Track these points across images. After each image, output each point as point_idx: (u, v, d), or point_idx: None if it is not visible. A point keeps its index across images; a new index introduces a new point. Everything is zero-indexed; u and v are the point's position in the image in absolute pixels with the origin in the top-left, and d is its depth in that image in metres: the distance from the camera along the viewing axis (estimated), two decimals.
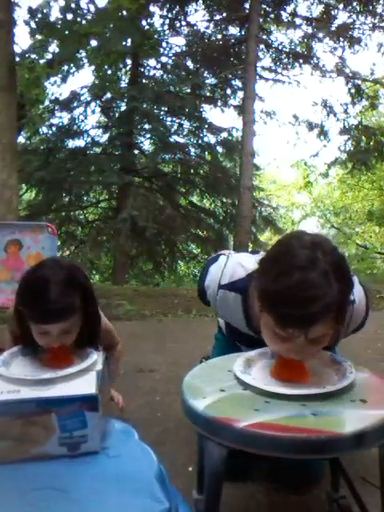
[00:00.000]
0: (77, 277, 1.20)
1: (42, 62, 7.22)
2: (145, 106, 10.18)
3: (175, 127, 11.11)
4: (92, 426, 0.98)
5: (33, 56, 7.58)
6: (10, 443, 0.96)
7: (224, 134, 10.91)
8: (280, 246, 1.01)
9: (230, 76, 10.36)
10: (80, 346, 1.23)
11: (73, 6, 6.47)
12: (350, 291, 0.98)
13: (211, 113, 34.78)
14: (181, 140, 11.13)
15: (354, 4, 9.24)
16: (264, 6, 9.23)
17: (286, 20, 9.63)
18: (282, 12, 9.54)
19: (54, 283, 1.13)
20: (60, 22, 6.57)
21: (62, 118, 10.83)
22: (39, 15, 7.12)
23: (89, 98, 10.70)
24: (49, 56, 8.13)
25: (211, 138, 11.16)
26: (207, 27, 10.06)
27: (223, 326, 1.59)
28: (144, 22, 9.26)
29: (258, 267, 1.02)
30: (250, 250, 7.99)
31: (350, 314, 1.19)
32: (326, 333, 0.95)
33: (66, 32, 6.41)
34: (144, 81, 10.97)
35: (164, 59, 10.75)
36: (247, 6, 9.04)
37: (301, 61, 9.95)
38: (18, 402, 0.96)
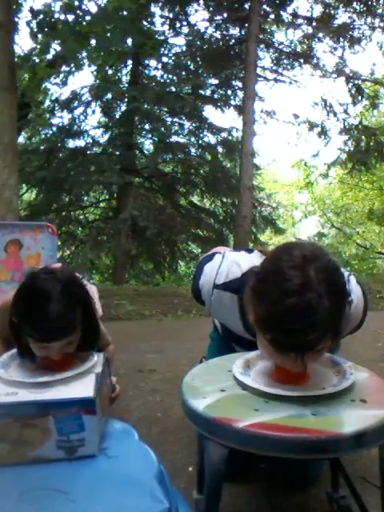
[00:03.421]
0: (74, 290, 1.15)
1: (43, 62, 7.22)
2: (145, 106, 10.18)
3: (176, 127, 11.12)
4: (90, 430, 0.97)
5: (34, 58, 7.58)
6: (8, 446, 0.96)
7: (224, 134, 10.91)
8: (271, 264, 0.95)
9: (231, 76, 10.35)
10: (80, 351, 1.22)
11: (76, 3, 6.47)
12: (344, 306, 0.95)
13: (211, 113, 34.74)
14: (181, 140, 11.14)
15: (354, 4, 9.24)
16: (264, 6, 9.23)
17: (286, 20, 9.62)
18: (282, 12, 9.54)
19: (53, 300, 1.08)
20: (61, 24, 6.58)
21: (63, 117, 10.86)
22: (41, 16, 7.11)
23: (89, 98, 10.71)
24: (49, 56, 8.13)
25: (211, 138, 11.18)
26: (207, 27, 10.06)
27: (219, 326, 1.56)
28: (145, 22, 9.26)
29: (251, 284, 0.97)
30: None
31: (346, 314, 1.18)
32: (323, 347, 0.93)
33: (68, 32, 6.41)
34: (144, 81, 10.98)
35: (164, 59, 10.76)
36: (247, 6, 9.03)
37: (301, 61, 9.94)
38: (15, 404, 0.96)
